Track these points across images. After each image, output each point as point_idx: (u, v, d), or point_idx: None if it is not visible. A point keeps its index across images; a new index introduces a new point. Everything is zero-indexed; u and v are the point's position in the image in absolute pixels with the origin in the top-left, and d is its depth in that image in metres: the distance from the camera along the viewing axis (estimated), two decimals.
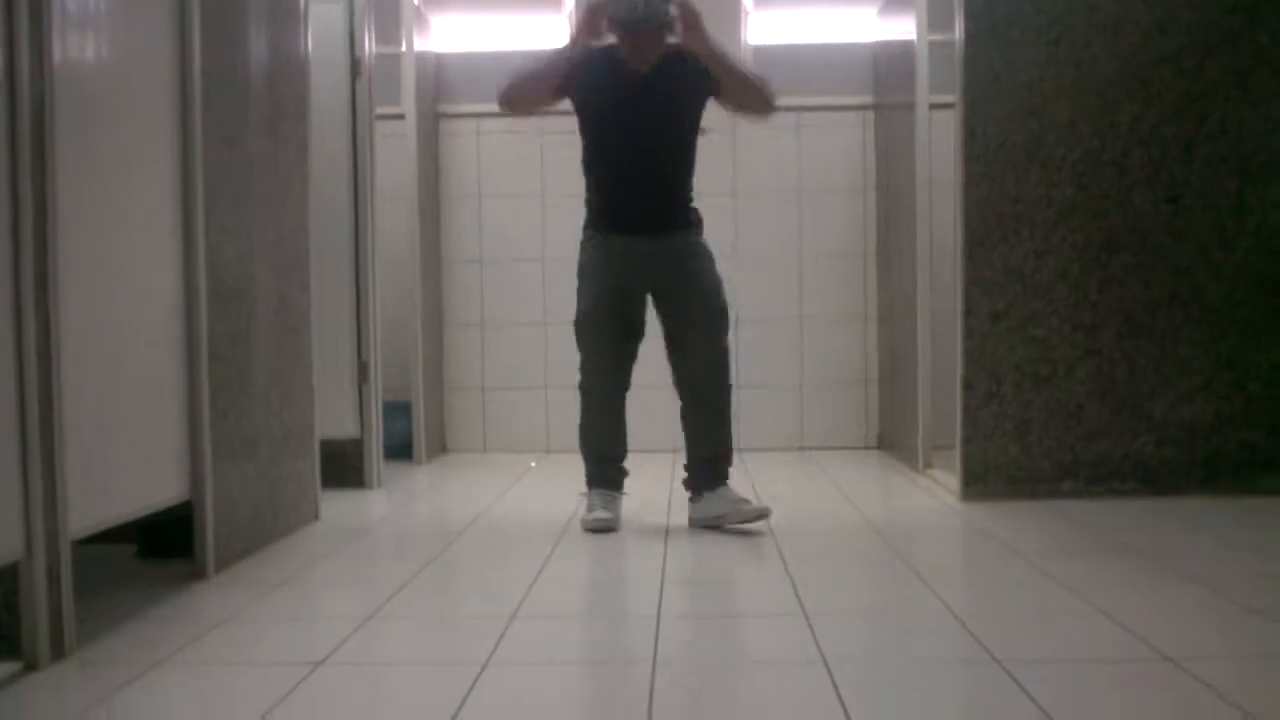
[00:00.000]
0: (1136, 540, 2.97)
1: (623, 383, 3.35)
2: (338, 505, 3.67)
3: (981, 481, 3.60)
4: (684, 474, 3.35)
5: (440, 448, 5.18)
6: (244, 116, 2.97)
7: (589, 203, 3.37)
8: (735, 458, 3.34)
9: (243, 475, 2.90)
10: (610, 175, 3.30)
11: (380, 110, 4.42)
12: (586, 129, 3.33)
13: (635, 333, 3.31)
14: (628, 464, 3.42)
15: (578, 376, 3.35)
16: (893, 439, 4.89)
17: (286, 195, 3.27)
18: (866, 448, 5.12)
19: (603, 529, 3.21)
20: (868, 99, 5.11)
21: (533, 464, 4.75)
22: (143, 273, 2.47)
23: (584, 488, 3.39)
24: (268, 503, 3.07)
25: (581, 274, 3.33)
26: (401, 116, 4.75)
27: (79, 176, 2.14)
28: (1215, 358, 3.57)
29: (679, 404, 3.35)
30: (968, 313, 3.58)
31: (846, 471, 4.43)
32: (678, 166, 3.30)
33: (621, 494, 3.39)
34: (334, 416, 3.91)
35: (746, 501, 3.23)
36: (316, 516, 3.45)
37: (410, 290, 4.76)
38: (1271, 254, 3.55)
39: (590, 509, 3.28)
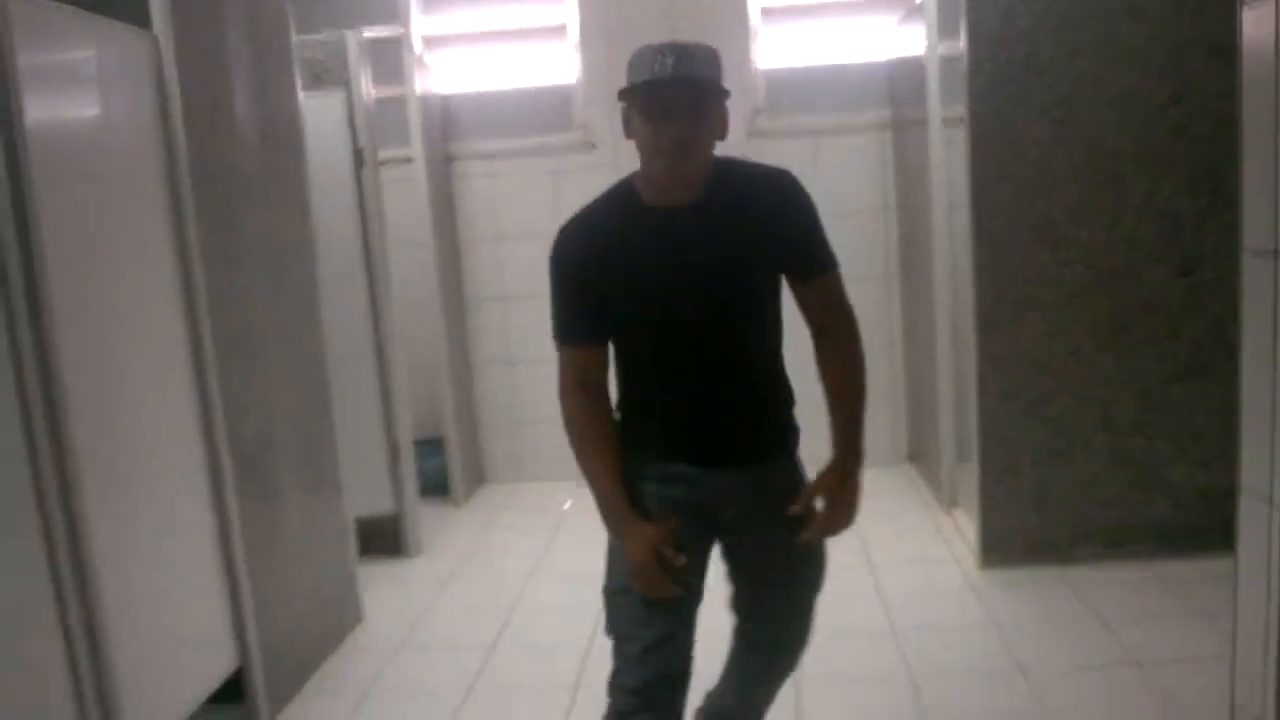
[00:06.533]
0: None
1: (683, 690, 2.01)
2: (380, 595, 3.86)
3: (999, 549, 3.67)
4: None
5: (478, 479, 5.33)
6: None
7: (622, 434, 2.06)
8: None
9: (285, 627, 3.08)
10: (654, 378, 2.04)
11: (388, 154, 4.48)
12: (615, 329, 2.01)
13: (695, 593, 2.05)
14: None
15: (609, 669, 2.03)
16: (922, 454, 4.94)
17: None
18: (897, 463, 5.18)
19: None
20: (885, 115, 5.00)
21: (567, 505, 4.87)
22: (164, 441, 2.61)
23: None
24: (312, 617, 3.26)
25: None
26: (409, 160, 4.77)
27: (83, 354, 2.26)
28: (1232, 429, 3.54)
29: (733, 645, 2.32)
30: (982, 390, 3.60)
31: (873, 507, 4.44)
32: (761, 345, 2.06)
33: None
34: (369, 496, 4.08)
35: None
36: (360, 619, 3.65)
37: (436, 332, 4.86)
38: None
39: None
